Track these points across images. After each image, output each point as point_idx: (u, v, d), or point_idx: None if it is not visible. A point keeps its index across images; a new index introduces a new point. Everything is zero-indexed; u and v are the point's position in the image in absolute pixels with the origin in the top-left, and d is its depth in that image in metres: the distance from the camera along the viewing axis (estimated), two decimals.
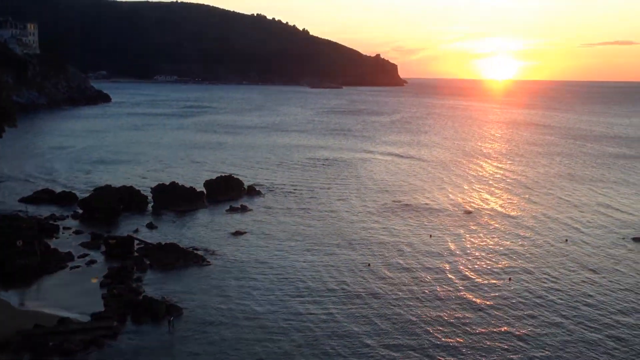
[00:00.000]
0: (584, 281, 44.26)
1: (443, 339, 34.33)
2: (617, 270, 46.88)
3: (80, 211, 61.41)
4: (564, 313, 38.17)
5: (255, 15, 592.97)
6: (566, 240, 54.93)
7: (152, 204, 65.16)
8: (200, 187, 70.10)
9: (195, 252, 49.00)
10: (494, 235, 56.38)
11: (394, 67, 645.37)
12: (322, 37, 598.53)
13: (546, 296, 41.00)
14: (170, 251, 47.72)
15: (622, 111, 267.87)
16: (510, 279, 44.44)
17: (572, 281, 44.11)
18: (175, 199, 64.89)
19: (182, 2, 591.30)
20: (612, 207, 68.54)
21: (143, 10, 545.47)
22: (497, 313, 37.99)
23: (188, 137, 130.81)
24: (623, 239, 55.74)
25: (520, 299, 40.37)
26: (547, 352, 32.96)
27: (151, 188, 67.36)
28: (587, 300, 40.33)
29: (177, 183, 68.23)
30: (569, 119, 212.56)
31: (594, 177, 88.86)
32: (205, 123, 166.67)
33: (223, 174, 75.66)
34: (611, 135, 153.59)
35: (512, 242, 54.28)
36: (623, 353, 33.18)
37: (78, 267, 45.99)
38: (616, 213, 65.88)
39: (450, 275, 45.06)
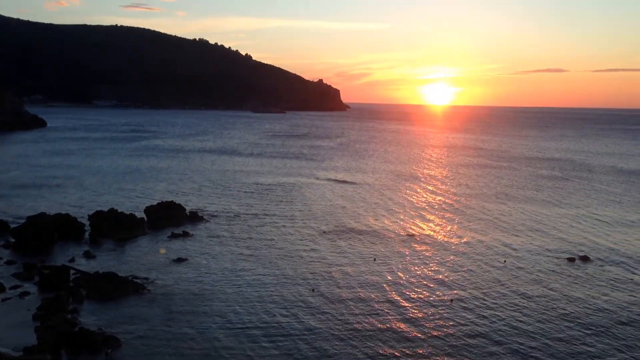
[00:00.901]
0: (522, 307, 45.30)
1: None
2: (553, 293, 48.27)
3: (12, 240, 58.89)
4: (501, 341, 38.68)
5: (197, 40, 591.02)
6: (504, 261, 56.33)
7: (89, 231, 63.18)
8: (140, 214, 68.57)
9: (135, 280, 47.66)
10: (435, 258, 57.23)
11: (336, 93, 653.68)
12: (265, 62, 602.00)
13: (485, 324, 41.58)
14: (108, 280, 46.23)
15: (552, 135, 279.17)
16: (451, 300, 45.17)
17: (511, 307, 45.03)
18: (114, 227, 63.12)
19: (122, 27, 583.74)
20: (545, 229, 70.81)
21: (82, 34, 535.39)
22: (438, 343, 38.19)
23: (128, 163, 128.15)
24: (557, 259, 57.61)
25: (460, 326, 40.90)
26: None
27: (88, 215, 65.37)
28: (526, 328, 41.14)
29: (116, 210, 66.51)
30: (504, 142, 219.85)
31: (527, 198, 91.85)
32: (147, 148, 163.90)
33: (164, 200, 74.32)
34: (543, 157, 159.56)
35: (453, 264, 55.22)
36: None
37: (9, 298, 43.95)
38: (549, 234, 68.08)
39: (393, 302, 45.36)
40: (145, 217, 68.30)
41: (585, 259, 57.62)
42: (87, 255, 55.44)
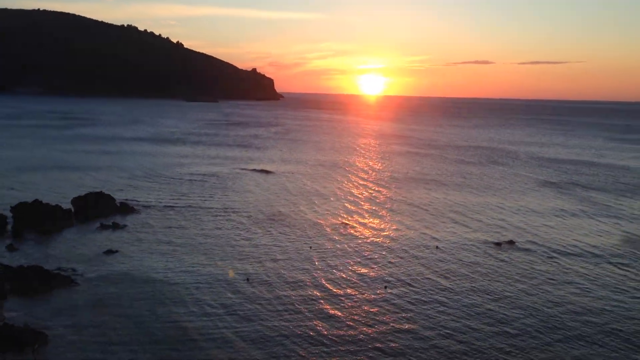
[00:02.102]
0: (454, 289, 46.74)
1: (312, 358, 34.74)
2: (482, 275, 50.05)
3: None
4: (429, 325, 39.90)
5: (125, 26, 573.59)
6: (437, 247, 57.83)
7: (12, 224, 60.47)
8: (67, 205, 66.16)
9: (62, 273, 46.05)
10: (370, 246, 58.12)
11: (270, 82, 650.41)
12: (197, 51, 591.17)
13: (414, 309, 42.73)
14: (33, 274, 44.47)
15: (479, 124, 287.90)
16: (385, 287, 46.04)
17: (442, 290, 46.45)
18: (38, 218, 60.63)
19: (45, 11, 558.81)
20: (473, 215, 73.13)
21: (3, 19, 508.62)
22: (367, 329, 38.95)
23: (54, 152, 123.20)
24: (484, 243, 59.65)
25: (393, 312, 41.86)
26: None
27: (11, 206, 62.49)
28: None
29: (41, 201, 63.91)
30: (433, 131, 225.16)
31: (456, 186, 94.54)
32: (74, 136, 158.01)
33: (93, 190, 72.03)
34: (470, 146, 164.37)
35: (387, 252, 56.26)
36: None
37: None
38: (478, 220, 70.35)
39: (329, 288, 45.82)
40: (73, 209, 66.01)
41: (511, 243, 59.94)
42: (10, 249, 53.09)
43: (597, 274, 50.95)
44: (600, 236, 64.48)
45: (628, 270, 52.24)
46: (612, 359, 35.23)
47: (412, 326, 38.71)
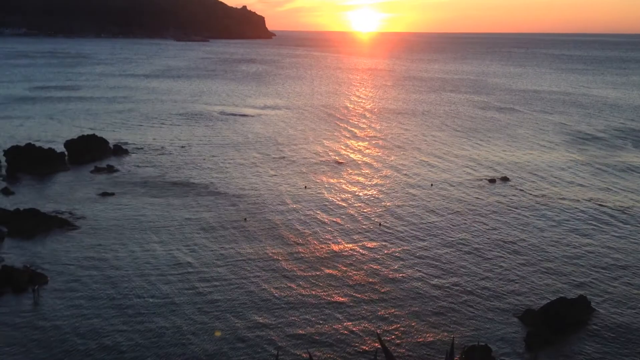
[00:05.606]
0: (448, 224, 47.23)
1: (312, 293, 35.30)
2: (476, 210, 50.48)
3: None
4: (430, 255, 40.50)
5: None
6: (431, 185, 58.04)
7: (6, 167, 60.22)
8: (60, 148, 65.70)
9: (59, 216, 46.16)
10: (364, 184, 58.36)
11: (261, 19, 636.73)
12: None
13: (408, 246, 43.28)
14: (30, 217, 44.56)
15: (473, 61, 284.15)
16: (380, 224, 46.42)
17: (437, 224, 46.96)
18: (32, 162, 60.30)
19: None
20: (465, 152, 73.16)
21: None
22: (363, 265, 39.48)
23: (43, 92, 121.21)
24: (479, 180, 59.89)
25: (389, 245, 42.36)
26: (404, 294, 35.05)
27: (4, 150, 62.09)
28: (452, 239, 43.00)
29: (34, 144, 63.43)
30: (429, 69, 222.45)
31: (447, 122, 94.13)
32: (63, 75, 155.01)
33: (85, 133, 71.39)
34: (465, 84, 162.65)
35: (382, 189, 56.55)
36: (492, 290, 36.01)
37: None
38: (470, 157, 70.41)
39: (324, 226, 46.18)
40: (66, 152, 65.58)
41: (504, 180, 60.21)
42: (5, 192, 53.02)
43: (584, 209, 51.42)
44: (589, 172, 64.76)
45: (616, 204, 52.81)
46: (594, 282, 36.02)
47: (406, 263, 39.23)
